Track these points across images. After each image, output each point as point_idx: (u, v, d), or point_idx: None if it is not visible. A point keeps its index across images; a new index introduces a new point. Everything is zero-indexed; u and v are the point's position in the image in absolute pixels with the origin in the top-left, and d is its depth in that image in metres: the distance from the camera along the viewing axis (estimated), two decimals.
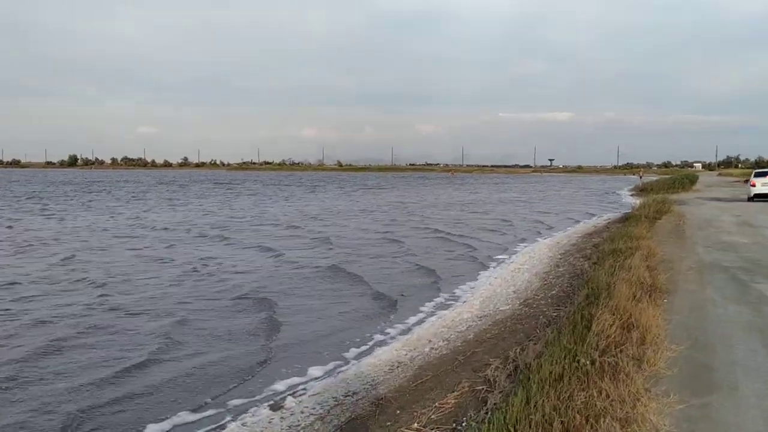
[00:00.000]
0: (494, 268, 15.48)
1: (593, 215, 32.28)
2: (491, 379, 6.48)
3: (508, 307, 10.72)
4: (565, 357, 5.91)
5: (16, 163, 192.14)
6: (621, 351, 6.15)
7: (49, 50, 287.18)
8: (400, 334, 9.24)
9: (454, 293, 12.28)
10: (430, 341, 8.75)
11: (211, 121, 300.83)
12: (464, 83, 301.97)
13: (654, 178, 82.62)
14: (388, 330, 9.50)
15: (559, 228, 25.87)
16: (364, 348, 8.64)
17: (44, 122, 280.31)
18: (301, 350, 8.64)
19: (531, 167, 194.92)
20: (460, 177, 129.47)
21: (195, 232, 23.05)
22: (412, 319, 10.03)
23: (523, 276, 13.86)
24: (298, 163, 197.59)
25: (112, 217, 29.17)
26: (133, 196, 46.96)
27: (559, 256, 16.71)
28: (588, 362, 5.75)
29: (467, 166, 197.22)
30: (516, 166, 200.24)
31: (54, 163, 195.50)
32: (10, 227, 23.91)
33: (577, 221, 29.10)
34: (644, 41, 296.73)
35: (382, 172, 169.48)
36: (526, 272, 14.32)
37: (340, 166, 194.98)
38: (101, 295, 11.61)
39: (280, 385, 7.15)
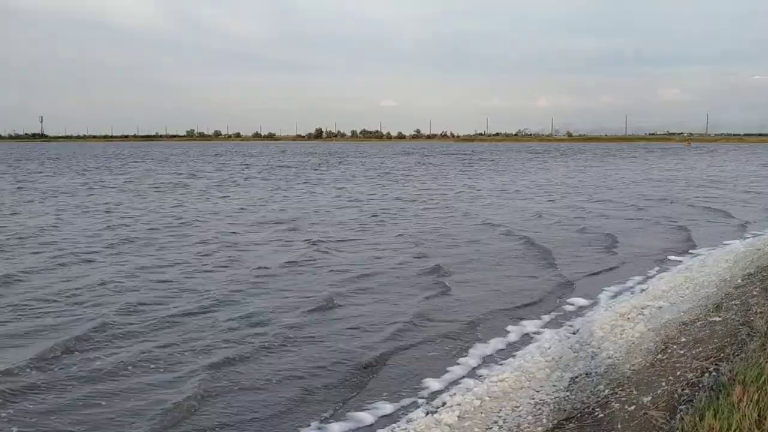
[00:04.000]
0: (594, 307, 8.80)
1: None
2: None
3: None
4: None
5: (271, 137, 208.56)
6: None
7: (306, 27, 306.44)
8: None
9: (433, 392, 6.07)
10: None
11: (442, 94, 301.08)
12: (713, 42, 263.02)
13: None
14: None
15: None
16: None
17: (295, 96, 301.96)
18: None
19: None
20: (696, 147, 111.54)
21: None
22: None
23: (630, 332, 7.21)
24: (531, 135, 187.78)
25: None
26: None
27: (739, 282, 9.43)
28: None
29: (715, 135, 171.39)
30: None
31: (303, 136, 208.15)
32: None
33: None
34: None
35: (613, 142, 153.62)
36: (643, 322, 7.58)
37: (570, 136, 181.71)
38: None
39: None
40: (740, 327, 6.93)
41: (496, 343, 7.03)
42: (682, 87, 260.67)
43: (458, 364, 6.50)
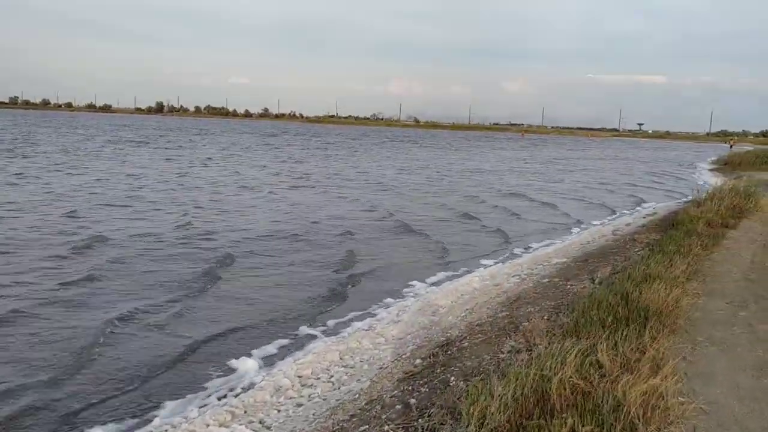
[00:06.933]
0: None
1: (637, 205, 20.44)
2: None
3: None
4: None
5: (107, 108, 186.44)
6: None
7: None
8: None
9: None
10: None
11: (293, 74, 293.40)
12: (554, 40, 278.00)
13: (749, 147, 66.40)
14: None
15: (556, 234, 14.56)
16: None
17: (135, 68, 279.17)
18: None
19: (617, 131, 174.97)
20: (529, 139, 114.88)
21: None
22: None
23: None
24: (382, 119, 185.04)
25: None
26: None
27: (416, 365, 5.84)
28: None
29: (551, 128, 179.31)
30: (602, 129, 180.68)
31: (143, 110, 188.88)
32: None
33: (614, 216, 17.58)
34: None
35: (457, 130, 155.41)
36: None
37: (417, 122, 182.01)
38: None
39: None
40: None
41: None
42: (524, 81, 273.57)
43: None
